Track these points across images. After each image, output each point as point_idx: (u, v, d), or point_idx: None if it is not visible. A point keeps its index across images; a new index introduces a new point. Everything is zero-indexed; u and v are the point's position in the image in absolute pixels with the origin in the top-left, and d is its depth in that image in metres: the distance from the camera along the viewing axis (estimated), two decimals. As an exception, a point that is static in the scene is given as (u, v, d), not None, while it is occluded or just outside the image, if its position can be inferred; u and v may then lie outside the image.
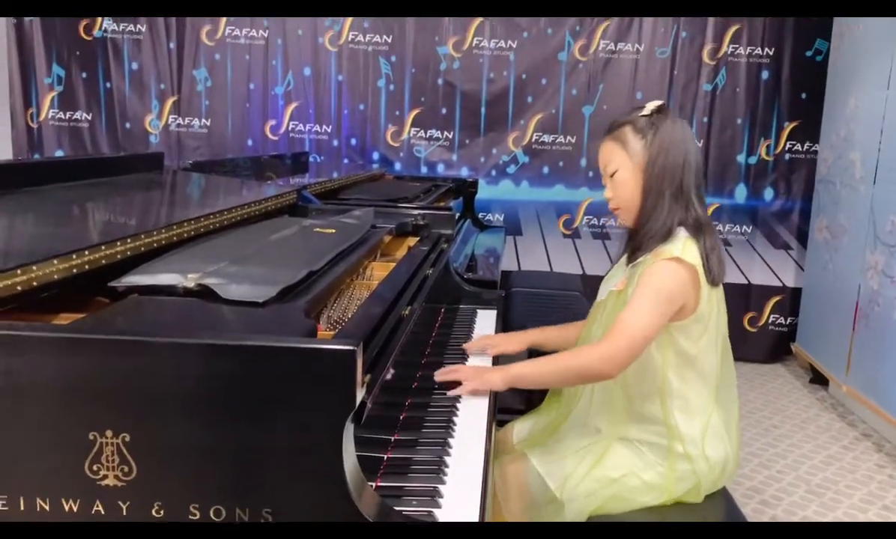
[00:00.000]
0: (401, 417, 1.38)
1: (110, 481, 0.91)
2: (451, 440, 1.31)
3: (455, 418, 1.40)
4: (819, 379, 3.94)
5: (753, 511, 2.62)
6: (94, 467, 0.91)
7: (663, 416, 1.49)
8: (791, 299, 4.31)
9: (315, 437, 0.91)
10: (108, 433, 0.90)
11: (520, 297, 3.22)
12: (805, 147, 4.22)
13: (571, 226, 4.38)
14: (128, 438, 0.90)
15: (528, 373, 1.54)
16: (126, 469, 0.91)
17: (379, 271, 1.91)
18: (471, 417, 1.42)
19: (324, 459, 0.91)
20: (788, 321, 4.35)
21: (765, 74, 4.19)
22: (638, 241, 1.52)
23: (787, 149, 4.24)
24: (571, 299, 3.24)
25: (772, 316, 4.36)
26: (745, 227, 4.33)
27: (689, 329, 1.48)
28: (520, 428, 1.75)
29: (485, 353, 1.81)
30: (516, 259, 4.38)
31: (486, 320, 2.16)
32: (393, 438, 1.29)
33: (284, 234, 1.72)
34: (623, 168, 1.54)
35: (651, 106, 1.55)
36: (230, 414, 0.91)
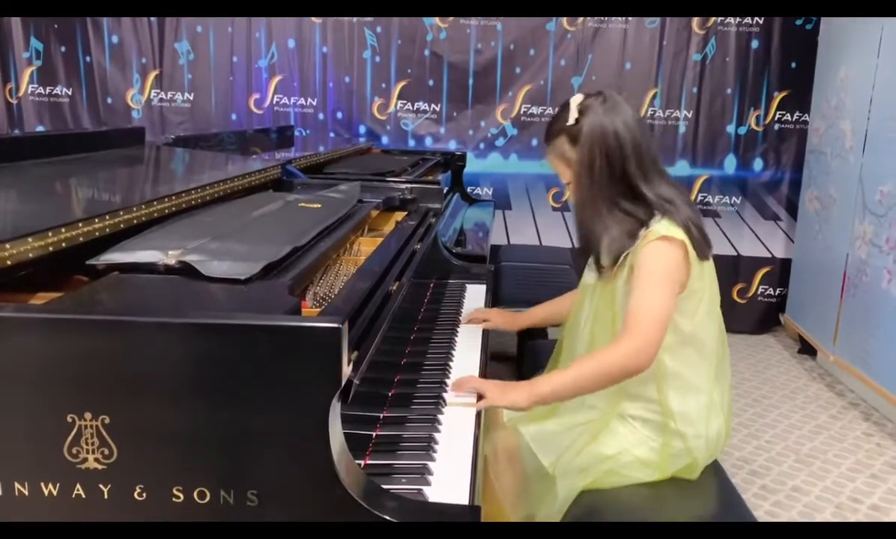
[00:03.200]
0: (390, 394, 1.36)
1: (90, 464, 0.89)
2: (440, 416, 1.30)
3: (445, 394, 1.39)
4: (808, 349, 3.96)
5: (743, 481, 2.63)
6: (74, 450, 0.89)
7: (658, 396, 1.47)
8: (780, 270, 4.32)
9: (301, 417, 0.88)
10: (87, 415, 0.88)
11: (509, 272, 3.20)
12: (795, 117, 4.19)
13: (561, 199, 4.34)
14: (107, 420, 0.88)
15: (555, 389, 1.44)
16: (106, 452, 0.89)
17: (366, 247, 1.88)
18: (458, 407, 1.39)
19: (310, 439, 0.89)
20: (777, 292, 4.36)
21: (755, 44, 4.15)
22: (607, 255, 1.47)
23: (776, 119, 4.21)
24: (561, 273, 3.22)
25: (761, 287, 4.36)
26: (734, 198, 4.31)
27: (683, 305, 1.45)
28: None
29: (481, 326, 1.81)
30: (505, 233, 4.35)
31: (475, 295, 2.14)
32: (382, 415, 1.27)
33: (268, 209, 1.68)
34: (572, 182, 1.53)
35: (575, 109, 1.48)
36: (213, 393, 0.89)
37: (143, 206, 1.41)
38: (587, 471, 1.48)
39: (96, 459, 0.89)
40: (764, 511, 2.46)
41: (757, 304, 4.36)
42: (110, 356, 0.88)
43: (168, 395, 0.88)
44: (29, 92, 4.35)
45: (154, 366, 0.88)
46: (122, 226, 1.33)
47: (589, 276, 1.61)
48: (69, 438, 0.88)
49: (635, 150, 1.45)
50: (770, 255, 4.33)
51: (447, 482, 1.08)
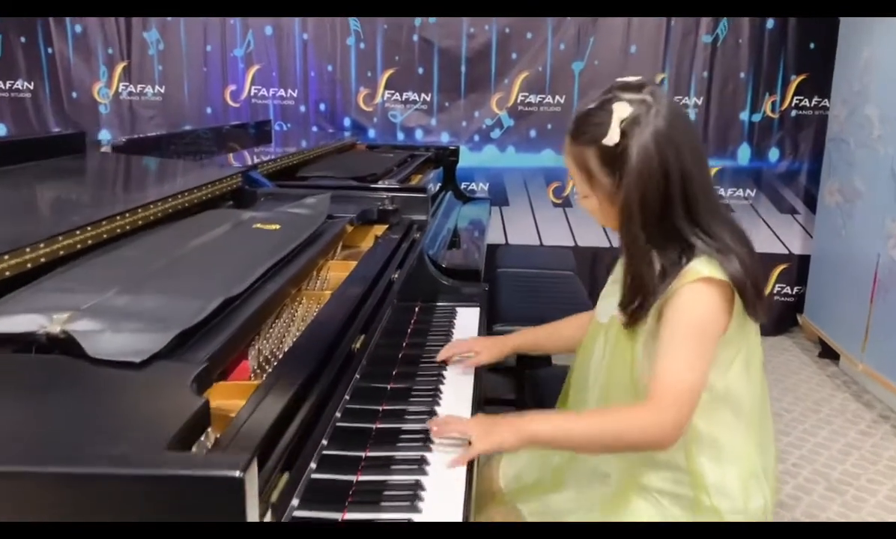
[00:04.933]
0: (354, 481, 1.07)
1: None
2: (420, 504, 1.01)
3: (423, 478, 1.09)
4: (829, 353, 3.67)
5: (772, 515, 2.35)
6: None
7: (688, 464, 1.19)
8: (798, 267, 4.03)
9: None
10: None
11: (507, 280, 2.91)
12: (814, 102, 3.88)
13: (562, 194, 4.04)
14: None
15: (556, 434, 1.18)
16: None
17: (336, 272, 1.59)
18: (445, 482, 1.10)
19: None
20: (795, 291, 4.07)
21: (770, 24, 3.83)
22: (638, 300, 1.19)
23: (794, 105, 3.90)
24: (564, 280, 2.94)
25: (777, 285, 4.07)
26: (748, 190, 4.01)
27: (717, 356, 1.17)
28: (508, 465, 1.44)
29: (465, 366, 1.51)
30: (503, 232, 4.05)
31: (467, 320, 1.84)
32: (341, 519, 0.98)
33: (211, 236, 1.39)
34: (590, 198, 1.24)
35: (617, 127, 1.15)
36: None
37: (42, 245, 1.12)
38: (603, 561, 1.20)
39: None
40: (796, 554, 2.18)
41: (773, 303, 4.06)
42: None
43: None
44: (-12, 87, 4.04)
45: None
46: (7, 273, 1.03)
47: (602, 314, 1.33)
48: None
49: (686, 185, 1.15)
50: (787, 252, 4.04)
51: None
